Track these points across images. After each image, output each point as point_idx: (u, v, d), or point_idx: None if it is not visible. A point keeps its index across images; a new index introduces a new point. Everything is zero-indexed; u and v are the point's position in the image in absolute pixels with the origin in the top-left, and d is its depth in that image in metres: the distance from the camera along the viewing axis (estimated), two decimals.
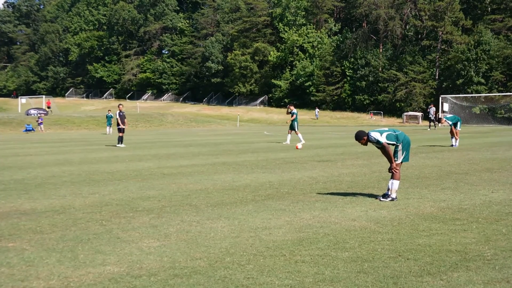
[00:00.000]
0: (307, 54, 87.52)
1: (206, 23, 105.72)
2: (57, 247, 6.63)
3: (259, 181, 12.64)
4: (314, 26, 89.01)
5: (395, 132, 9.80)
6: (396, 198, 9.65)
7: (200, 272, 5.58)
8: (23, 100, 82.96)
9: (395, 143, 9.69)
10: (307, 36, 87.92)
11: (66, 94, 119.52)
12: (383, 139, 9.54)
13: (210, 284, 5.19)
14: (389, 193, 9.66)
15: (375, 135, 9.59)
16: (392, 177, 9.60)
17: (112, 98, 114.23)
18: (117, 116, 27.37)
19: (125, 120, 27.32)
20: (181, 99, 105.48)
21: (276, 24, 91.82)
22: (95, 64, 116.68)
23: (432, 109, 44.70)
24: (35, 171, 15.33)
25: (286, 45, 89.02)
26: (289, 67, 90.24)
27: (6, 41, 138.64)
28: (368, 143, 9.74)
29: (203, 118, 72.47)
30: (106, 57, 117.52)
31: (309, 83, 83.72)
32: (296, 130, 25.75)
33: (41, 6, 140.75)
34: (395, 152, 9.72)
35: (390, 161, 9.63)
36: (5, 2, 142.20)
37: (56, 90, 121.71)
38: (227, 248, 6.53)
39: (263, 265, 5.79)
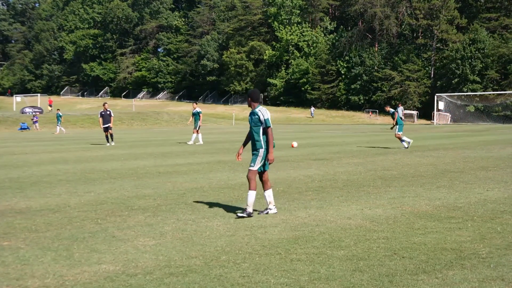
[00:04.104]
0: (303, 52, 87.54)
1: (201, 22, 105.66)
2: (52, 246, 6.62)
3: None
4: (310, 25, 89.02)
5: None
6: (252, 213, 8.30)
7: (195, 270, 5.57)
8: (18, 98, 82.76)
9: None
10: (303, 35, 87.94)
11: (61, 93, 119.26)
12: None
13: (205, 283, 5.18)
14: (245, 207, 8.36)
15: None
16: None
17: (108, 96, 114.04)
18: (99, 116, 27.23)
19: (111, 118, 26.91)
20: (176, 97, 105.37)
21: (271, 22, 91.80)
22: (91, 63, 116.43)
23: (400, 109, 44.51)
24: (31, 170, 15.28)
25: (282, 43, 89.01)
26: (285, 66, 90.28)
27: (1, 39, 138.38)
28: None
29: None
30: (102, 56, 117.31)
31: (304, 80, 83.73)
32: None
33: (36, 4, 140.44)
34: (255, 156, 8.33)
35: None
36: (0, 0, 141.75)
37: (51, 89, 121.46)
38: (222, 246, 6.53)
39: (258, 264, 5.79)
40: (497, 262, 5.75)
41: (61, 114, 45.45)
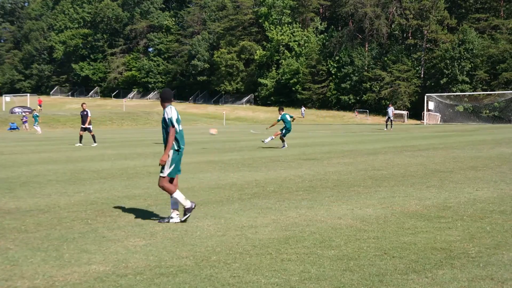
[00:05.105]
0: (293, 52, 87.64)
1: (192, 21, 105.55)
2: (42, 246, 6.58)
3: (245, 179, 12.64)
4: (300, 25, 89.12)
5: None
6: (191, 206, 7.97)
7: (186, 270, 5.57)
8: (7, 98, 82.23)
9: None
10: (293, 35, 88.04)
11: (51, 93, 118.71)
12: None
13: (196, 283, 5.18)
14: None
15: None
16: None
17: (98, 96, 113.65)
18: (81, 115, 26.97)
19: (88, 119, 26.45)
20: None
21: (262, 22, 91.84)
22: (80, 62, 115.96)
23: (391, 109, 44.73)
24: (20, 170, 15.20)
25: (272, 43, 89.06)
26: (275, 66, 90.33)
27: None
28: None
29: (189, 117, 72.28)
30: (92, 55, 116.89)
31: (294, 80, 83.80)
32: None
33: (26, 4, 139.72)
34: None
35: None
36: None
37: (41, 88, 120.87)
38: (213, 246, 6.52)
39: (249, 264, 5.79)
40: (487, 261, 5.79)
41: (38, 115, 46.67)
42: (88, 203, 9.57)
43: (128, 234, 7.18)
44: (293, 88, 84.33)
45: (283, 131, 22.63)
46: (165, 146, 7.82)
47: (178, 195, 7.85)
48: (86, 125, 26.34)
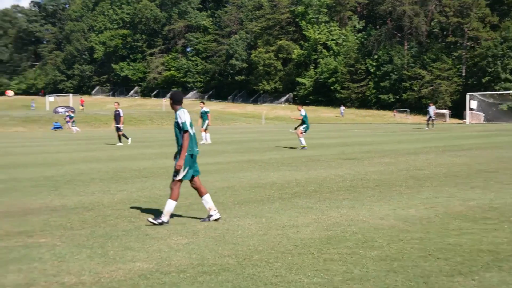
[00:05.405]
0: (331, 51, 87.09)
1: (229, 21, 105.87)
2: (87, 243, 6.71)
3: (286, 178, 12.62)
4: (338, 24, 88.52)
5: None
6: (167, 222, 7.83)
7: (228, 269, 5.59)
8: (51, 98, 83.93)
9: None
10: (331, 34, 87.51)
11: (92, 92, 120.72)
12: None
13: (238, 282, 5.19)
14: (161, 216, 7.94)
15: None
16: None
17: (138, 96, 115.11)
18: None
19: (121, 118, 26.82)
20: (206, 97, 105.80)
21: (299, 21, 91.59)
22: (120, 63, 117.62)
23: (432, 108, 43.98)
24: (64, 168, 15.52)
25: (310, 42, 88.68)
26: (313, 65, 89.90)
27: (33, 40, 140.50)
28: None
29: (228, 116, 72.63)
30: (131, 56, 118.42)
31: (333, 79, 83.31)
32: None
33: (66, 5, 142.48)
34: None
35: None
36: (31, 1, 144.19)
37: (83, 88, 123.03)
38: (255, 245, 6.53)
39: (291, 263, 5.78)
40: None
41: (72, 115, 48.09)
42: (130, 201, 9.71)
43: (170, 232, 7.25)
44: (332, 87, 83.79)
45: (304, 128, 22.39)
46: (179, 150, 7.78)
47: (170, 204, 7.74)
48: (119, 125, 26.64)
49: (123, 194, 10.57)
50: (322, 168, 14.71)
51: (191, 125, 7.90)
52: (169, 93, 7.55)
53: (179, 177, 7.76)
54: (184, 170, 7.75)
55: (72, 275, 5.45)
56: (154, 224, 7.69)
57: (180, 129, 7.80)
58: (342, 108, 76.53)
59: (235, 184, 11.78)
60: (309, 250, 6.28)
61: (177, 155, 7.86)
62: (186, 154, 7.76)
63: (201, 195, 8.03)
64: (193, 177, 7.95)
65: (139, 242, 6.74)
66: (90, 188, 11.43)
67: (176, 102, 8.05)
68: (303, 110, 22.55)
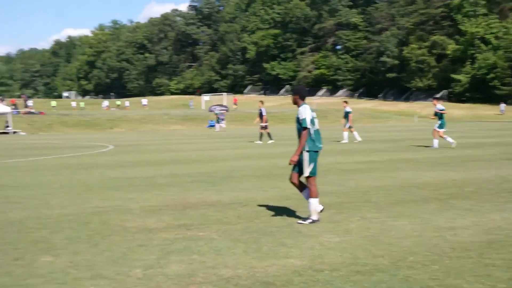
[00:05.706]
0: (490, 46, 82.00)
1: (380, 18, 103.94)
2: (242, 238, 6.93)
3: (441, 178, 12.12)
4: (498, 16, 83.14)
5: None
6: (317, 220, 7.75)
7: (382, 270, 5.47)
8: (206, 97, 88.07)
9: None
10: (490, 27, 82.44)
11: (244, 91, 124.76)
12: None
13: (393, 283, 5.07)
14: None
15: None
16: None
17: (288, 95, 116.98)
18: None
19: (264, 117, 27.43)
20: (356, 95, 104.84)
21: (454, 15, 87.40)
22: (271, 62, 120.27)
23: None
24: (219, 165, 16.21)
25: (466, 37, 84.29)
26: (470, 60, 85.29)
27: (190, 42, 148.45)
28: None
29: (380, 114, 71.35)
30: (282, 55, 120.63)
31: (492, 75, 78.43)
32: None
33: (221, 8, 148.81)
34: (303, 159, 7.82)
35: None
36: (189, 5, 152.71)
37: (235, 88, 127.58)
38: (409, 247, 6.34)
39: (449, 267, 5.52)
40: None
41: (217, 112, 50.32)
42: (283, 199, 9.88)
43: (322, 230, 7.27)
44: (491, 84, 78.92)
45: (438, 127, 21.43)
46: (303, 148, 7.71)
47: (313, 203, 7.71)
48: (262, 123, 27.37)
49: (275, 191, 10.78)
50: (481, 168, 13.91)
51: (312, 122, 7.83)
52: (294, 88, 7.47)
53: (306, 174, 7.77)
54: (309, 166, 7.75)
55: (228, 268, 5.66)
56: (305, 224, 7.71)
57: (300, 124, 7.77)
58: (503, 105, 71.79)
59: (387, 184, 11.53)
60: (468, 254, 5.97)
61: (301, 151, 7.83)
62: (311, 150, 7.76)
63: (301, 191, 8.03)
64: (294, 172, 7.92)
65: (292, 239, 6.83)
66: (244, 184, 11.81)
67: (301, 97, 8.03)
68: (439, 105, 21.66)
